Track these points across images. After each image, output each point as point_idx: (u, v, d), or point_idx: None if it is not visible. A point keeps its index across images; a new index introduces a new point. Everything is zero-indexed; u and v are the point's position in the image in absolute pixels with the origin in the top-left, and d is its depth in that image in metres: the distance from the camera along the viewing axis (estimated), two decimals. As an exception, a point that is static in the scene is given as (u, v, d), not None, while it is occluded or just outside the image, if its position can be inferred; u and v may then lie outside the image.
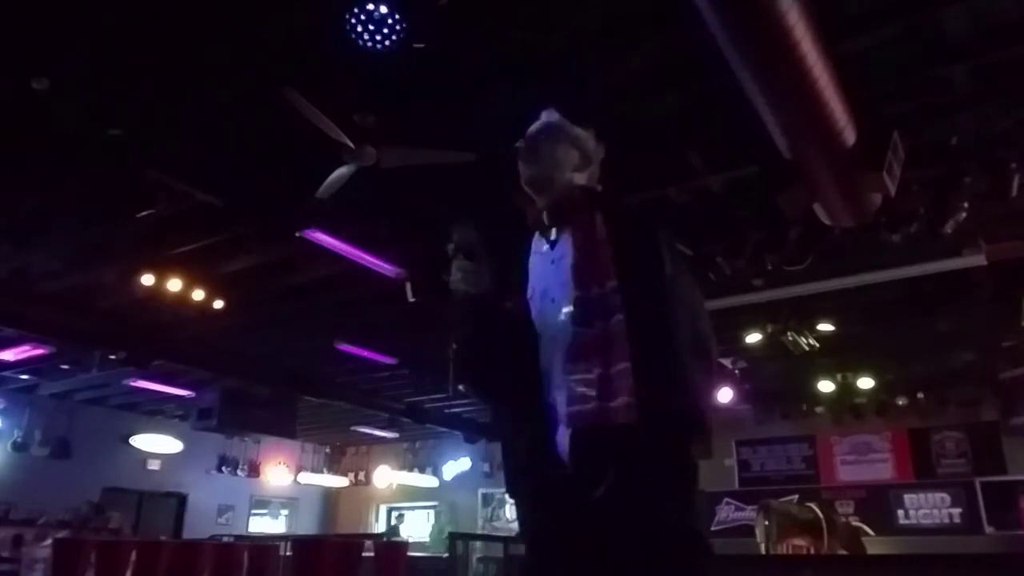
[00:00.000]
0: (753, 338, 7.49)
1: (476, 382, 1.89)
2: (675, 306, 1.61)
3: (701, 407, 1.57)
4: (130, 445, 12.28)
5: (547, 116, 1.91)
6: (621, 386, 1.52)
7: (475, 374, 1.87)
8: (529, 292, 1.76)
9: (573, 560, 1.58)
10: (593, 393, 1.53)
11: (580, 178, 1.85)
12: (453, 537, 9.69)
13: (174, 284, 6.48)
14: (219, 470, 13.41)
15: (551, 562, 1.63)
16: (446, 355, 8.32)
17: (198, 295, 6.71)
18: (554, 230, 1.77)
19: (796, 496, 10.48)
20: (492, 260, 1.78)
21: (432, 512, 14.62)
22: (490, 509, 14.01)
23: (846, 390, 9.84)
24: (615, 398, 1.51)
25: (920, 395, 10.13)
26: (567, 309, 1.63)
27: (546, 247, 1.78)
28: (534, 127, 1.91)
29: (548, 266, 1.74)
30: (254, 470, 14.01)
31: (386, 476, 14.85)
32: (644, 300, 1.59)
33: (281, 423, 10.84)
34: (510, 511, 13.83)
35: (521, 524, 1.77)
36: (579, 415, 1.55)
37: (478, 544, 10.47)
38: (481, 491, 14.09)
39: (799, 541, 8.45)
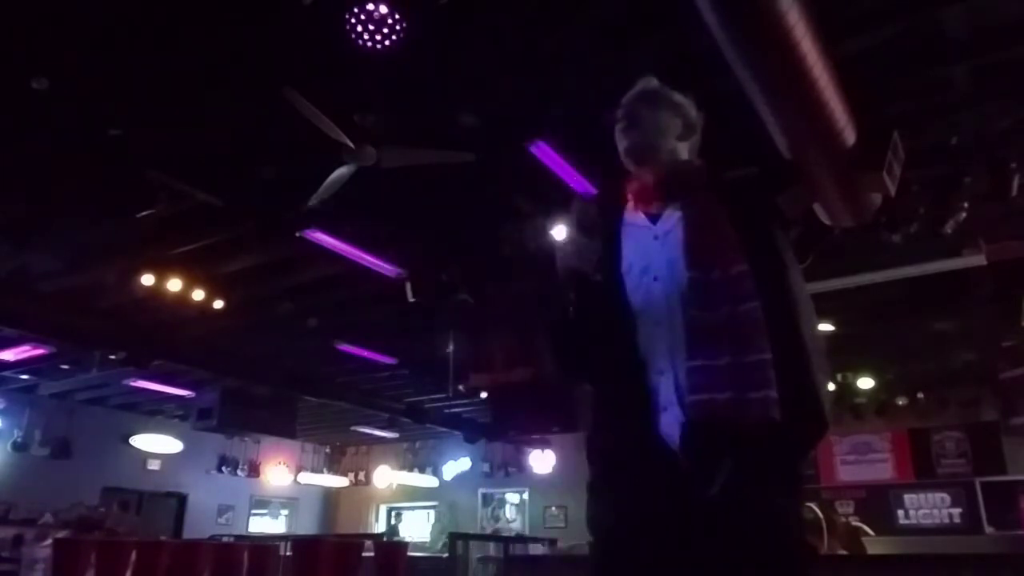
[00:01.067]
0: (753, 338, 7.48)
1: (575, 365, 1.70)
2: (800, 302, 1.50)
3: (826, 414, 1.44)
4: (130, 445, 12.28)
5: (645, 83, 1.78)
6: (761, 378, 1.38)
7: (574, 356, 1.68)
8: (624, 267, 1.61)
9: (669, 562, 1.44)
10: (724, 382, 1.39)
11: (683, 147, 1.73)
12: (453, 537, 9.70)
13: (174, 284, 6.48)
14: (219, 470, 13.41)
15: (641, 564, 1.46)
16: (446, 355, 8.34)
17: (198, 295, 6.71)
18: (659, 203, 1.63)
19: (796, 496, 10.47)
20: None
21: (432, 512, 14.62)
22: (490, 509, 14.01)
23: (846, 390, 9.83)
24: (755, 390, 1.37)
25: (920, 395, 10.14)
26: (676, 288, 1.50)
27: (645, 220, 1.64)
28: (632, 93, 1.77)
29: (650, 242, 1.60)
30: (254, 470, 14.01)
31: (386, 476, 14.84)
32: (774, 290, 1.47)
33: (281, 423, 10.84)
34: (510, 511, 13.83)
35: (602, 521, 1.55)
36: (707, 404, 1.39)
37: (491, 546, 10.46)
38: (481, 491, 14.10)
39: (799, 541, 8.44)
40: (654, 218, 1.63)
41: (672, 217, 1.59)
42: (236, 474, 13.65)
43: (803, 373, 1.43)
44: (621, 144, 1.73)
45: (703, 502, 1.37)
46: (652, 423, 1.48)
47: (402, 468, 14.83)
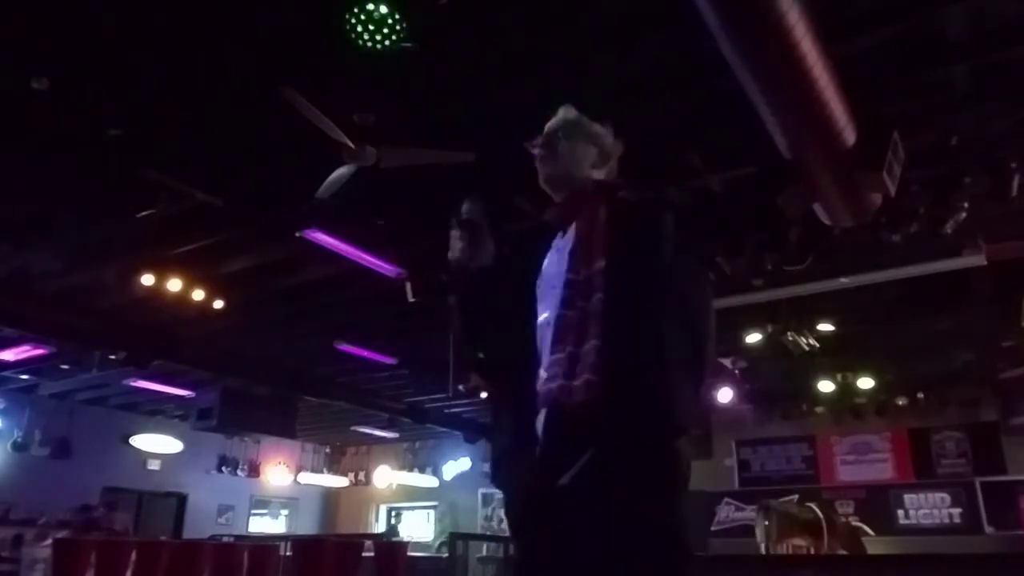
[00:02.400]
0: (753, 338, 7.49)
1: (469, 360, 1.89)
2: (665, 291, 1.55)
3: (672, 407, 1.46)
4: (130, 445, 12.28)
5: (565, 112, 1.89)
6: (585, 364, 1.48)
7: (467, 352, 1.87)
8: (539, 279, 1.75)
9: (545, 549, 1.52)
10: (560, 371, 1.51)
11: (598, 175, 1.84)
12: (453, 537, 9.69)
13: (174, 284, 6.48)
14: (219, 470, 13.42)
15: (524, 551, 1.59)
16: (446, 355, 8.34)
17: (198, 295, 6.71)
18: (567, 223, 1.76)
19: (796, 496, 10.48)
20: (513, 250, 1.82)
21: (432, 512, 14.62)
22: (490, 509, 14.01)
23: (846, 390, 9.83)
24: (577, 376, 1.48)
25: (920, 395, 10.13)
26: (559, 293, 1.62)
27: (558, 237, 1.77)
28: (551, 124, 1.88)
29: (555, 255, 1.74)
30: (254, 470, 14.01)
31: (386, 476, 14.85)
32: (628, 280, 1.55)
33: (281, 423, 10.84)
34: (510, 511, 13.83)
35: (505, 512, 1.74)
36: (547, 393, 1.53)
37: (491, 546, 10.44)
38: (481, 491, 14.09)
39: (799, 541, 8.45)
40: (564, 234, 1.76)
41: (571, 232, 1.73)
42: (236, 474, 13.66)
43: (650, 358, 1.48)
44: (540, 172, 1.87)
45: (562, 491, 1.45)
46: (531, 418, 1.58)
47: (402, 468, 14.83)
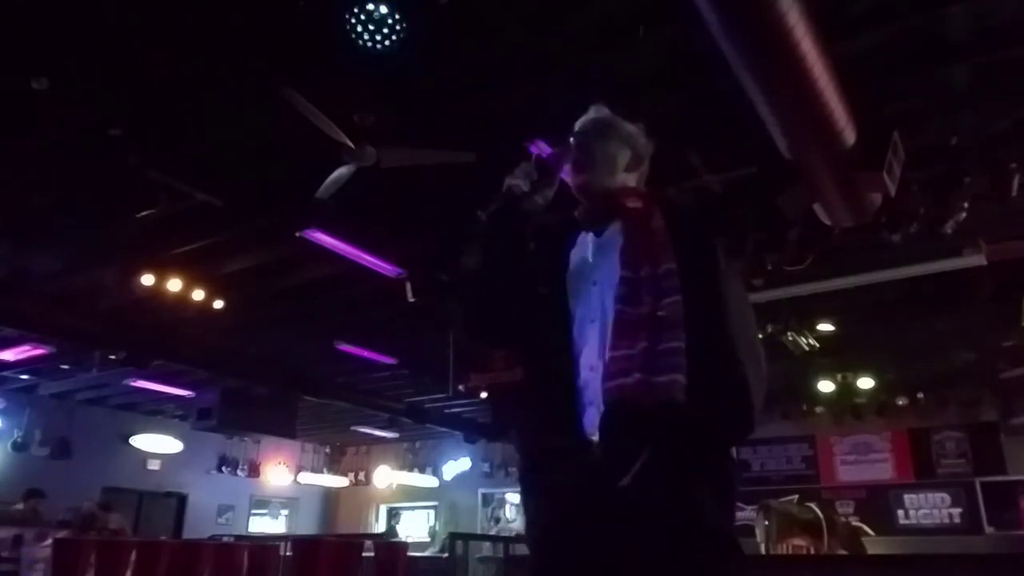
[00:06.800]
0: (753, 338, 7.48)
1: (485, 326, 1.79)
2: (730, 302, 1.54)
3: (753, 407, 1.48)
4: (130, 445, 12.28)
5: (596, 112, 1.81)
6: (671, 363, 1.43)
7: (485, 313, 1.77)
8: (569, 275, 1.69)
9: (589, 556, 1.45)
10: (635, 367, 1.44)
11: (631, 178, 1.79)
12: (453, 537, 9.69)
13: (174, 284, 6.49)
14: (219, 470, 13.41)
15: (565, 558, 1.49)
16: (446, 355, 8.34)
17: (198, 295, 6.71)
18: (601, 223, 1.72)
19: (796, 496, 10.47)
20: (539, 243, 1.75)
21: (432, 512, 14.63)
22: (490, 509, 14.01)
23: (846, 390, 9.83)
24: (662, 374, 1.42)
25: (920, 395, 10.13)
26: (611, 289, 1.56)
27: (592, 235, 1.72)
28: (583, 124, 1.80)
29: (594, 251, 1.69)
30: (254, 470, 14.01)
31: (386, 476, 14.84)
32: (702, 288, 1.52)
33: (281, 423, 10.83)
34: (510, 511, 13.83)
35: (530, 517, 1.60)
36: (618, 389, 1.44)
37: (491, 546, 10.45)
38: (481, 491, 14.10)
39: (799, 541, 8.44)
40: (600, 232, 1.71)
41: (615, 230, 1.68)
42: (236, 474, 13.65)
43: (728, 366, 1.47)
44: (572, 179, 1.79)
45: (619, 493, 1.39)
46: (577, 418, 1.52)
47: (402, 468, 14.83)
